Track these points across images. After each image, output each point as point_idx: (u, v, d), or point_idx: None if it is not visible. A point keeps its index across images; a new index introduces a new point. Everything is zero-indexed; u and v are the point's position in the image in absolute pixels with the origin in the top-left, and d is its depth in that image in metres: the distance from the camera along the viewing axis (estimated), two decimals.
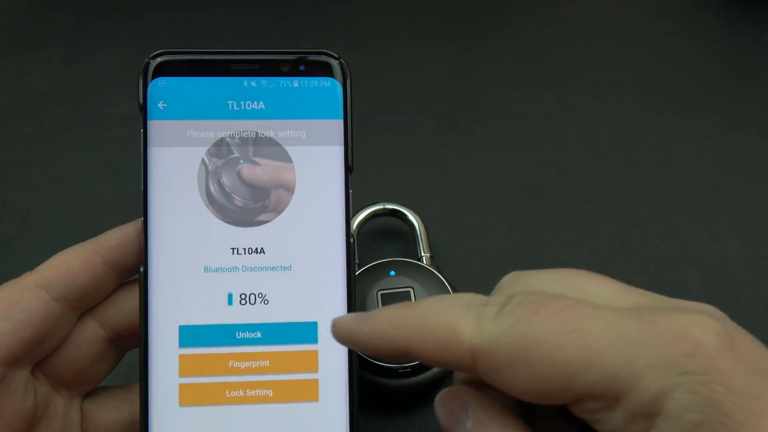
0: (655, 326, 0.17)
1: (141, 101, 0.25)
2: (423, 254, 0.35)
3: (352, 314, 0.21)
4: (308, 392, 0.24)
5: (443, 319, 0.19)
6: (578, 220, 0.40)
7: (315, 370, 0.24)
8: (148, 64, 0.25)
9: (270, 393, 0.24)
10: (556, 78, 0.48)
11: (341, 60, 0.26)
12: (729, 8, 0.54)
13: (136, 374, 0.24)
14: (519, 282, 0.20)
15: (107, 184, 0.41)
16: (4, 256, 0.38)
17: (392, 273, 0.32)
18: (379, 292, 0.32)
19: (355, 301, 0.25)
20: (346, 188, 0.25)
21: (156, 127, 0.25)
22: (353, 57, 0.49)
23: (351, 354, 0.24)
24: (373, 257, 0.35)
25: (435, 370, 0.31)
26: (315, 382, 0.24)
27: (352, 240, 0.25)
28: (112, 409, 0.25)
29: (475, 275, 0.37)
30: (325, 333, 0.24)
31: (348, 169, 0.25)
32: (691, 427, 0.16)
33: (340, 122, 0.25)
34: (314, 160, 0.25)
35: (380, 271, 0.32)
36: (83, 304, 0.24)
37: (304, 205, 0.25)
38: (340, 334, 0.20)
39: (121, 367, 0.27)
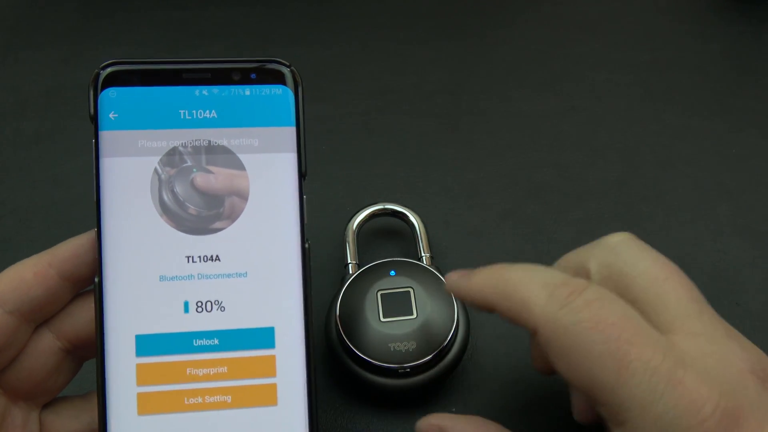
0: (680, 387, 0.19)
1: (92, 112, 0.24)
2: (423, 254, 0.35)
3: (459, 272, 0.25)
4: (267, 397, 0.24)
5: (522, 292, 0.22)
6: (578, 220, 0.40)
7: (273, 374, 0.24)
8: (98, 75, 0.25)
9: (228, 399, 0.24)
10: (556, 78, 0.48)
11: (292, 68, 0.26)
12: (729, 8, 0.54)
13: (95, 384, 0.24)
14: (618, 256, 0.24)
15: None
16: (3, 256, 0.38)
17: (392, 273, 0.32)
18: (379, 292, 0.32)
19: (311, 306, 0.25)
20: (300, 194, 0.25)
21: (107, 138, 0.24)
22: (353, 57, 0.49)
23: (309, 357, 0.24)
24: (373, 257, 0.35)
25: (435, 370, 0.31)
26: (273, 386, 0.24)
27: (307, 245, 0.25)
28: (71, 419, 0.25)
29: None
30: (282, 338, 0.24)
31: (301, 175, 0.25)
32: None
33: (293, 129, 0.25)
34: (267, 167, 0.25)
35: (380, 271, 0.32)
36: (38, 316, 0.24)
37: (258, 211, 0.25)
38: (448, 287, 0.25)
39: (83, 376, 0.27)
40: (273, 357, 0.24)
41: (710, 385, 0.19)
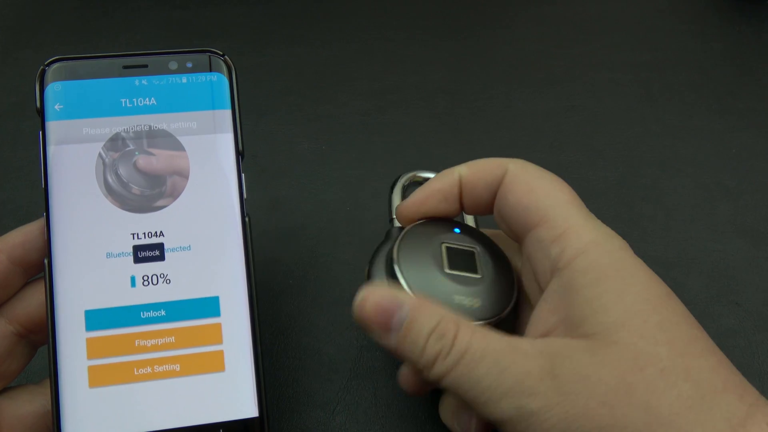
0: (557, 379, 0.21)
1: (38, 105, 0.26)
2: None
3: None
4: (214, 363, 0.25)
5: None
6: None
7: (219, 342, 0.25)
8: (44, 71, 0.26)
9: (177, 367, 0.25)
10: (556, 78, 0.48)
11: (225, 57, 0.28)
12: (729, 8, 0.54)
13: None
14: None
15: None
16: None
17: (456, 231, 0.29)
18: (444, 245, 0.28)
19: (254, 274, 0.26)
20: (238, 171, 0.27)
21: (53, 128, 0.26)
22: (353, 57, 0.49)
23: (254, 324, 0.26)
24: None
25: None
26: (220, 353, 0.25)
27: (247, 218, 0.26)
28: (25, 402, 0.26)
29: None
30: (227, 306, 0.25)
31: (239, 154, 0.27)
32: None
33: (229, 111, 0.27)
34: (206, 147, 0.27)
35: (444, 225, 0.29)
36: None
37: (199, 189, 0.26)
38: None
39: (37, 368, 0.27)
40: (219, 325, 0.25)
41: None
